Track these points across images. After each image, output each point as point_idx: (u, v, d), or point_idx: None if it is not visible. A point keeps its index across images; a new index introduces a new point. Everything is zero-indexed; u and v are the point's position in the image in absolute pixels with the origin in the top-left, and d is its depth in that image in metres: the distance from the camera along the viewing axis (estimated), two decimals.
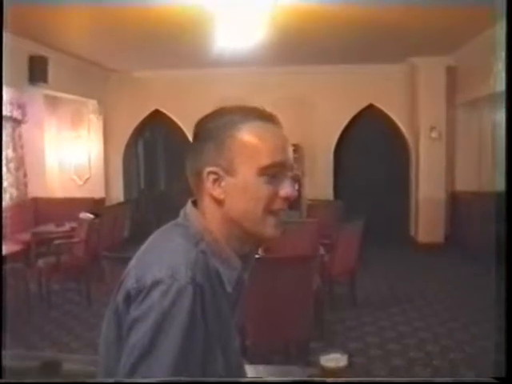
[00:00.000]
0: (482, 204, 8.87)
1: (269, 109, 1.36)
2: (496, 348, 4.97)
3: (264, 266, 4.07)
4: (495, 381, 1.40)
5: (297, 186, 1.34)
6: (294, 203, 1.33)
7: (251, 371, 1.53)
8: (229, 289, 1.31)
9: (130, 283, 1.22)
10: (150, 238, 1.36)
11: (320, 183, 10.37)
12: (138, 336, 1.15)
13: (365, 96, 10.25)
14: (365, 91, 10.17)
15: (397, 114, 10.36)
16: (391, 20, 6.79)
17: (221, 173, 1.29)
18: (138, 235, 9.75)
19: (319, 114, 10.32)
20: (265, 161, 1.28)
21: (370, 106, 10.34)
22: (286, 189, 1.31)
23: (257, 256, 4.10)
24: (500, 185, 9.18)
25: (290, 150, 1.35)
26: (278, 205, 1.31)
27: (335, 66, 9.91)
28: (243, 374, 1.48)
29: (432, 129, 9.79)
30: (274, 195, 1.29)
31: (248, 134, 1.29)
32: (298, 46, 8.30)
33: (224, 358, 1.28)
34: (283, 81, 10.06)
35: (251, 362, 1.61)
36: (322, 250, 6.10)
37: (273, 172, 1.29)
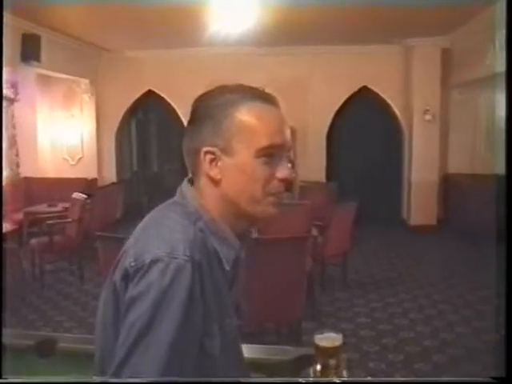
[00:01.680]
0: (475, 186, 8.91)
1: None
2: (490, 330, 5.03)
3: (257, 247, 4.09)
4: (494, 381, 1.41)
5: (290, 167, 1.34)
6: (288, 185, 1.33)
7: (245, 350, 1.53)
8: (227, 267, 1.32)
9: (128, 262, 1.22)
10: (148, 217, 1.36)
11: (313, 165, 10.35)
12: (137, 314, 1.15)
13: (359, 78, 10.20)
14: (359, 73, 10.12)
15: (391, 96, 10.34)
16: (386, 0, 6.76)
17: (218, 153, 1.29)
18: (131, 216, 9.76)
19: (313, 96, 10.29)
20: (263, 142, 1.27)
21: (364, 88, 10.30)
22: (284, 170, 1.30)
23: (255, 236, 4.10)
24: (493, 167, 9.26)
25: (288, 131, 1.34)
26: (275, 186, 1.31)
27: (329, 47, 9.86)
28: (240, 353, 1.48)
29: (426, 111, 9.79)
30: (271, 177, 1.29)
31: (247, 114, 1.28)
32: (291, 27, 8.24)
33: (221, 336, 1.29)
34: (276, 62, 10.00)
35: (244, 342, 1.62)
36: (314, 232, 6.12)
37: (271, 153, 1.28)
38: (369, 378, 3.53)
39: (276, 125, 1.31)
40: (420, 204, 10.04)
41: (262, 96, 1.32)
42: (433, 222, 9.97)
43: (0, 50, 4.25)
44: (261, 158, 1.28)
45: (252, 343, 1.95)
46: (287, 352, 1.84)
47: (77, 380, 1.21)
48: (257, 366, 1.78)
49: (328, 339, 1.44)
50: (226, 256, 1.31)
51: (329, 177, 10.50)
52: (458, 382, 1.71)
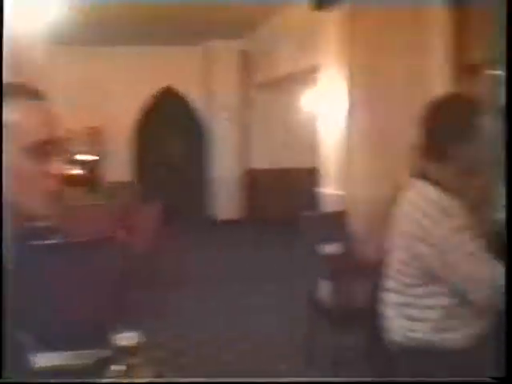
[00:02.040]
0: (277, 180, 9.39)
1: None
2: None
3: (63, 251, 3.98)
4: (494, 381, 1.46)
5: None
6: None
7: (43, 360, 1.50)
8: (7, 273, 1.23)
9: None
10: None
11: (119, 165, 10.26)
12: None
13: (163, 78, 10.32)
14: (163, 73, 10.22)
15: (193, 95, 10.59)
16: (186, 3, 6.87)
17: None
18: None
19: (117, 96, 10.13)
20: (29, 139, 1.23)
21: (169, 88, 10.45)
22: (56, 166, 1.27)
23: (55, 241, 3.97)
24: (292, 162, 9.71)
25: (58, 126, 1.30)
26: (50, 184, 1.27)
27: (132, 48, 9.82)
28: (30, 363, 1.42)
29: (226, 109, 10.14)
30: (44, 174, 1.25)
31: (11, 113, 1.23)
32: (94, 27, 8.12)
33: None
34: (77, 62, 9.72)
35: (45, 350, 1.58)
36: (122, 232, 6.05)
37: (40, 150, 1.24)
38: (365, 379, 3.54)
39: (42, 120, 1.27)
40: (225, 199, 10.38)
41: (27, 92, 1.28)
42: (237, 215, 10.32)
43: (0, 49, 3.77)
44: (29, 156, 1.23)
45: (54, 350, 1.90)
46: (89, 355, 1.82)
47: (77, 380, 1.12)
48: (60, 372, 1.74)
49: (127, 338, 1.45)
50: (5, 260, 1.23)
51: (136, 176, 10.48)
52: (458, 382, 1.76)
